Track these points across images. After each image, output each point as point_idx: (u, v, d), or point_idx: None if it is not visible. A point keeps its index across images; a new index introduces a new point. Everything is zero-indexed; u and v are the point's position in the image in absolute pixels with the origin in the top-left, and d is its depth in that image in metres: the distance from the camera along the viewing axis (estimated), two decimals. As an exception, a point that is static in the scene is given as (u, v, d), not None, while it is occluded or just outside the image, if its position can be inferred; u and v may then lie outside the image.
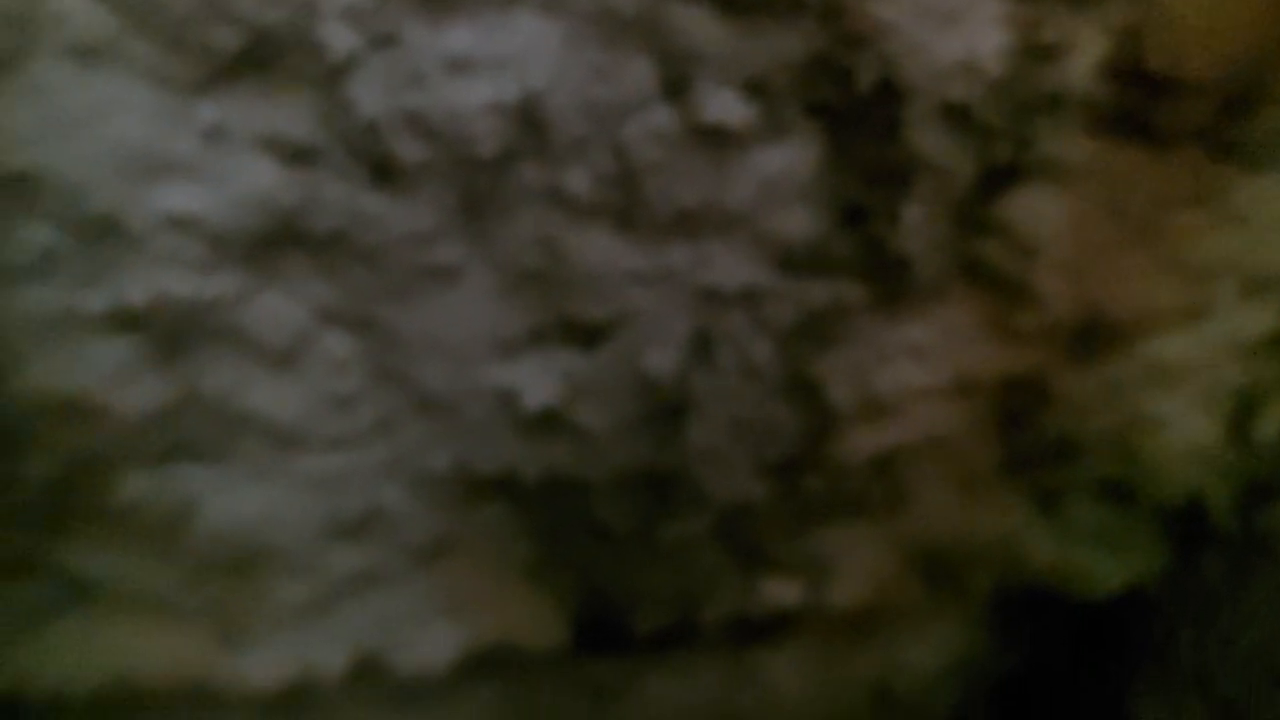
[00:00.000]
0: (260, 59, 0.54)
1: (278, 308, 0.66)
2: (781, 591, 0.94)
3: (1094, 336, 0.73)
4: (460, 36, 0.54)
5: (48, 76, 0.53)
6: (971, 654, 1.15)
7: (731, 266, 0.64)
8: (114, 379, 0.69)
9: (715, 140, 0.60)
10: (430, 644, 0.94)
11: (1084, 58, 0.62)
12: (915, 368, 0.73)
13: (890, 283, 0.66)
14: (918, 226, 0.63)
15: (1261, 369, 0.82)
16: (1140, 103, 0.65)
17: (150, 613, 0.90)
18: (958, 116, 0.62)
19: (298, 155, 0.58)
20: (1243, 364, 0.84)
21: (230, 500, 0.81)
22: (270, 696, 0.95)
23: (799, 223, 0.62)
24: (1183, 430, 0.87)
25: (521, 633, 0.95)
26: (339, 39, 0.53)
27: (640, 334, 0.68)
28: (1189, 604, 1.02)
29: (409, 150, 0.57)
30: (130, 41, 0.52)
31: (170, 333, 0.66)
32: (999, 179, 0.65)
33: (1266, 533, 0.96)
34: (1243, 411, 0.86)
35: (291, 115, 0.56)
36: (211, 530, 0.83)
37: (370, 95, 0.56)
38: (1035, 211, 0.65)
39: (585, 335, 0.69)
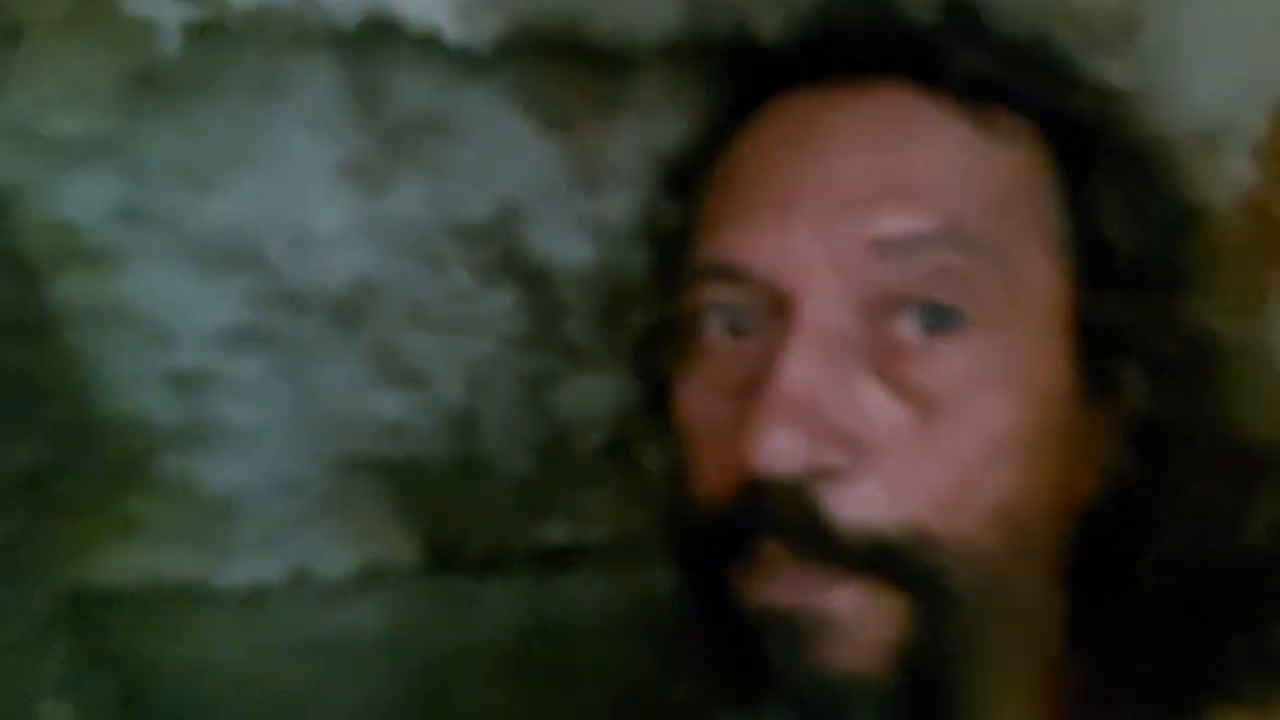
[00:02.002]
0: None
1: (254, 370, 1.21)
2: (556, 532, 1.50)
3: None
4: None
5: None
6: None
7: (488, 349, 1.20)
8: (170, 413, 1.24)
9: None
10: (337, 562, 1.47)
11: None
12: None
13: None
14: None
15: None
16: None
17: (169, 541, 1.44)
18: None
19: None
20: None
21: (218, 472, 1.34)
22: (241, 594, 1.49)
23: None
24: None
25: (396, 555, 1.49)
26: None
27: (443, 382, 1.24)
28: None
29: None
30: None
31: (197, 382, 1.22)
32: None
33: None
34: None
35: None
36: (208, 491, 1.37)
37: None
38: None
39: (416, 380, 1.25)
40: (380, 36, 0.82)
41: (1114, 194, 0.44)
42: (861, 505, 0.41)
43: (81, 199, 0.97)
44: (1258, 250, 0.71)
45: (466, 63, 0.87)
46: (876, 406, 0.42)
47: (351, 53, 0.86)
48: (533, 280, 1.11)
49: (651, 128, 0.96)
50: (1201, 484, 0.43)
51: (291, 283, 1.06)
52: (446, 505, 1.41)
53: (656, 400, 0.52)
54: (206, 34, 0.82)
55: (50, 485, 1.34)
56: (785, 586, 0.44)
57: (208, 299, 1.08)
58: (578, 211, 1.03)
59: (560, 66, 0.88)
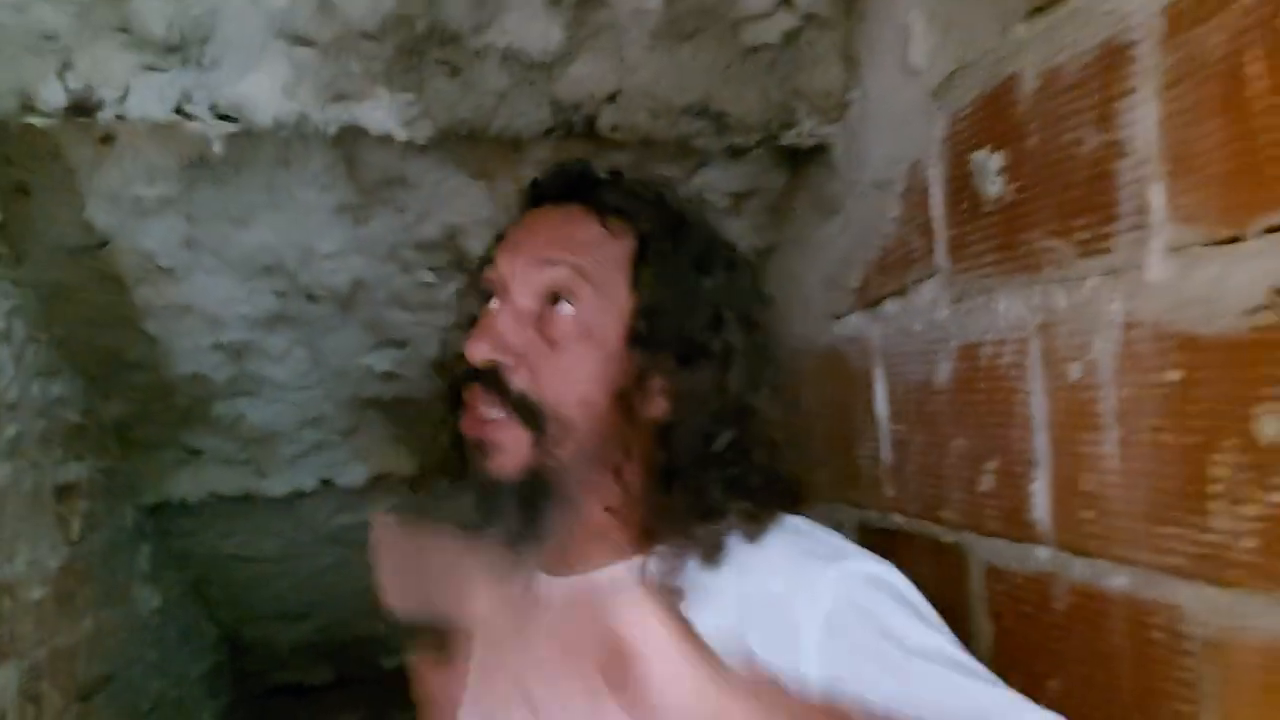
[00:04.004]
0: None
1: (282, 342, 1.66)
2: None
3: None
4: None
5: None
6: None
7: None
8: (222, 373, 1.69)
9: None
10: (353, 474, 1.91)
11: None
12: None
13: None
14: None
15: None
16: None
17: (223, 463, 1.88)
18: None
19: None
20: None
21: (259, 412, 1.77)
22: (280, 499, 1.95)
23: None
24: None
25: (397, 468, 1.93)
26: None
27: (420, 343, 1.68)
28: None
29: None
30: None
31: (240, 352, 1.66)
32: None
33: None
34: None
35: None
36: (251, 425, 1.81)
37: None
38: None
39: (400, 343, 1.70)
40: (353, 137, 1.25)
41: (659, 260, 0.88)
42: (519, 382, 0.84)
43: (156, 235, 1.41)
44: (902, 258, 1.16)
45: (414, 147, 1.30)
46: (531, 340, 0.85)
47: (336, 144, 1.30)
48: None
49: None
50: (705, 415, 0.86)
51: (305, 282, 1.50)
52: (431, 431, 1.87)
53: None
54: (239, 136, 1.25)
55: (135, 429, 1.80)
56: (479, 426, 0.85)
57: (245, 296, 1.52)
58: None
59: (475, 147, 1.31)
